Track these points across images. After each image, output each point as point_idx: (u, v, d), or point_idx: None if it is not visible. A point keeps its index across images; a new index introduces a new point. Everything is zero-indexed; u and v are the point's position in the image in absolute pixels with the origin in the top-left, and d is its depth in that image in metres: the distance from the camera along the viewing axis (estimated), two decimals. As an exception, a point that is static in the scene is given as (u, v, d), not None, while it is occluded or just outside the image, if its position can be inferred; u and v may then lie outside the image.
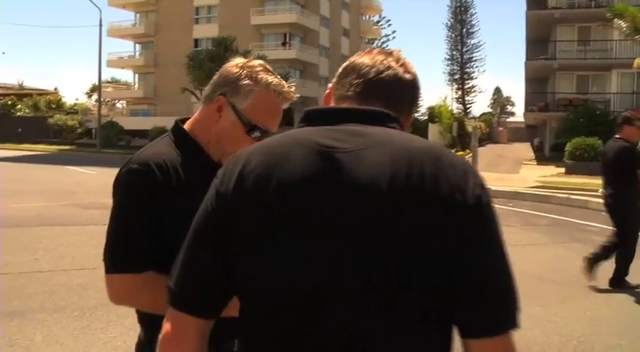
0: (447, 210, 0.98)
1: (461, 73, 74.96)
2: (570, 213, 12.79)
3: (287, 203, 1.02)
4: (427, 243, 0.97)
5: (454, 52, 74.43)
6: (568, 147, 22.82)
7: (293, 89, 1.71)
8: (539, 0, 33.20)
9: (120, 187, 1.59)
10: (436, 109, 33.01)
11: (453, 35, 73.69)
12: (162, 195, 1.54)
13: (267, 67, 1.71)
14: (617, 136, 6.36)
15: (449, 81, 75.63)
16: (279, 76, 1.71)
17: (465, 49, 73.87)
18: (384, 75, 1.21)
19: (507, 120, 76.03)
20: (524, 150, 35.40)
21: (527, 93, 38.29)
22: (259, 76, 1.66)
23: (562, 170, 21.84)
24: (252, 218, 1.04)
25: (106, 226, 1.58)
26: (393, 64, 1.23)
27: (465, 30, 72.99)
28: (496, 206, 1.05)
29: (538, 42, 34.41)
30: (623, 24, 24.93)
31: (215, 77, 1.71)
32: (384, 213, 0.98)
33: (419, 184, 0.99)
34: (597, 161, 21.22)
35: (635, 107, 27.55)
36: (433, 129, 31.46)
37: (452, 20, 73.26)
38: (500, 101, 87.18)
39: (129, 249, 1.54)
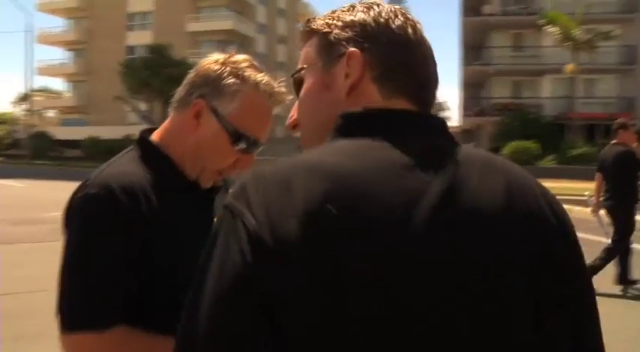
0: (563, 243, 0.81)
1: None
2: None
3: (391, 255, 0.68)
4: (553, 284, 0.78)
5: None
6: (506, 150, 23.37)
7: (284, 90, 1.38)
8: (474, 7, 34.06)
9: (74, 219, 1.22)
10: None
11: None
12: (130, 225, 1.20)
13: (254, 62, 1.39)
14: (614, 142, 6.53)
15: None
16: (268, 74, 1.39)
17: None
18: (433, 67, 0.92)
19: (443, 125, 78.50)
20: (462, 154, 36.09)
21: (464, 98, 39.19)
22: (246, 74, 1.34)
23: (500, 173, 22.27)
24: (348, 284, 0.66)
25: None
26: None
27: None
28: None
29: (473, 48, 35.28)
30: (555, 31, 25.88)
31: (190, 76, 1.39)
32: (509, 260, 0.74)
33: (535, 215, 0.78)
34: (532, 165, 22.02)
35: (566, 111, 28.58)
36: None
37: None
38: (435, 106, 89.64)
39: (91, 300, 1.17)
